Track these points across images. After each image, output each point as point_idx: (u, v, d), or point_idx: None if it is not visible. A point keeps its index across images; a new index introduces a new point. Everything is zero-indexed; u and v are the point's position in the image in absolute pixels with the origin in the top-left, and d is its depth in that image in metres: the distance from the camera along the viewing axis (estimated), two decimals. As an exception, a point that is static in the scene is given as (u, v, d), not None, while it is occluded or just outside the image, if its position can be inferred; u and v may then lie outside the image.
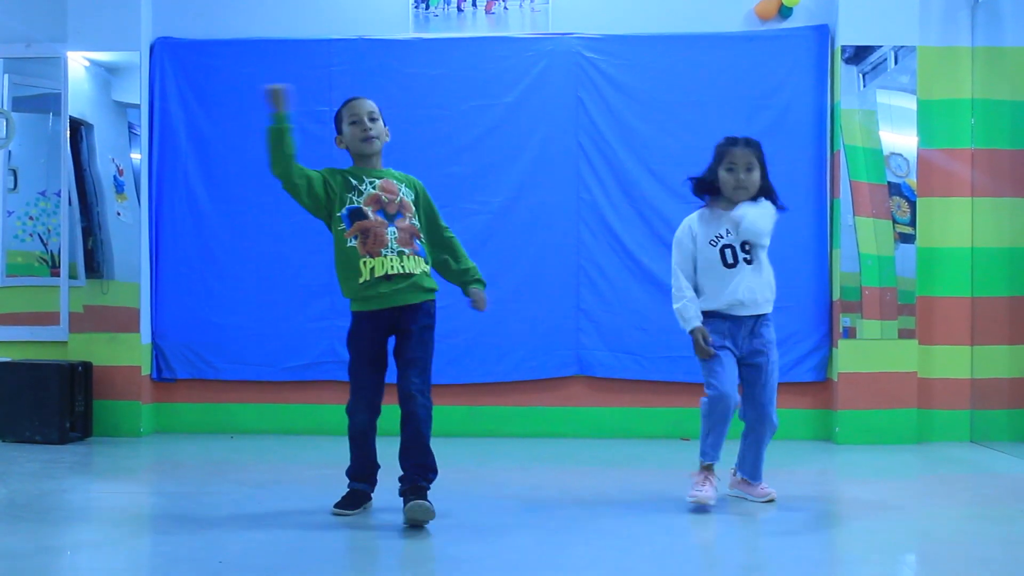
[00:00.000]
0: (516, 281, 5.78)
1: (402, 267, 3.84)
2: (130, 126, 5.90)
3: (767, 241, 4.12)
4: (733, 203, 4.12)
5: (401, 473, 3.84)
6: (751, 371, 4.13)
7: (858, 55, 5.64)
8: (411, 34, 5.92)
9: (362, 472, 3.99)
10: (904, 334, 5.62)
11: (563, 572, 3.30)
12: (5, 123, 6.11)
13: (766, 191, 4.16)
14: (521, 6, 5.93)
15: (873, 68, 5.65)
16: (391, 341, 3.94)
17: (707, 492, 4.08)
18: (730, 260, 4.09)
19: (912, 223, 5.64)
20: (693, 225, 4.17)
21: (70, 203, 5.91)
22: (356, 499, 3.97)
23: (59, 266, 6.07)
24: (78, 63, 5.88)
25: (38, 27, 6.00)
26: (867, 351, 5.60)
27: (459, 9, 5.94)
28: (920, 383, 5.66)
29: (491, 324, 5.75)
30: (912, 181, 5.64)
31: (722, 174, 4.13)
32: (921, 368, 5.66)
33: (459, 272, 4.07)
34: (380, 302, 3.84)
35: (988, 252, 5.71)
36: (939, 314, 5.73)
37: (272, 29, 5.95)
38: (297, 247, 5.80)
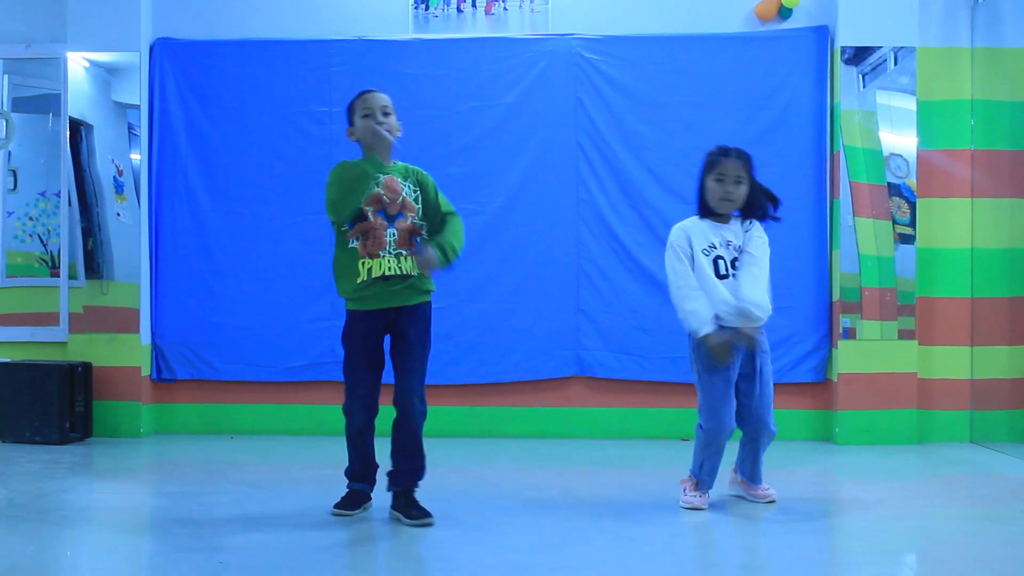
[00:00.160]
0: (516, 281, 5.79)
1: (399, 268, 3.84)
2: (130, 127, 5.90)
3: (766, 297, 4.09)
4: (724, 216, 4.11)
5: (390, 469, 3.87)
6: (745, 382, 4.10)
7: (858, 56, 5.64)
8: (411, 35, 5.92)
9: (361, 472, 3.99)
10: (904, 335, 5.62)
11: (563, 572, 3.30)
12: (5, 124, 6.11)
13: (757, 202, 4.12)
14: (521, 7, 5.94)
15: (873, 69, 5.65)
16: (386, 340, 3.95)
17: (701, 499, 4.09)
18: (722, 271, 4.06)
19: (912, 224, 5.64)
20: (688, 230, 4.12)
21: (70, 204, 5.91)
22: (356, 499, 3.97)
23: (59, 266, 6.07)
24: (78, 64, 5.88)
25: (38, 27, 6.00)
26: (867, 352, 5.60)
27: (459, 10, 5.94)
28: (920, 384, 5.66)
29: (491, 324, 5.77)
30: (912, 182, 5.64)
31: (710, 184, 4.09)
32: (921, 369, 5.66)
33: (435, 237, 3.96)
34: (376, 302, 3.84)
35: (988, 253, 5.71)
36: (939, 315, 5.73)
37: (272, 29, 5.95)
38: (297, 247, 5.80)
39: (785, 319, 5.43)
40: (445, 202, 4.00)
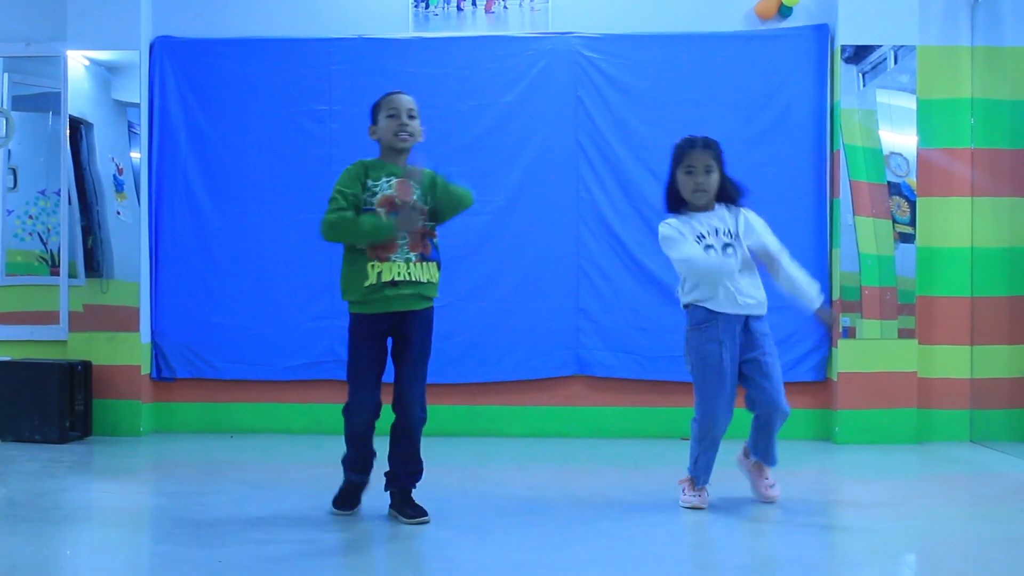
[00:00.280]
0: (516, 281, 5.79)
1: (408, 274, 3.83)
2: (130, 125, 5.90)
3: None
4: (702, 208, 4.09)
5: (388, 470, 3.89)
6: (751, 366, 4.06)
7: (858, 55, 5.64)
8: (411, 33, 5.92)
9: (359, 464, 3.98)
10: (904, 334, 5.62)
11: (563, 572, 3.30)
12: (5, 122, 6.10)
13: (725, 190, 4.11)
14: (521, 5, 5.93)
15: (873, 68, 5.64)
16: (389, 342, 3.94)
17: (700, 499, 4.10)
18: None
19: (912, 223, 5.64)
20: (676, 224, 4.08)
21: (70, 202, 5.91)
22: (353, 493, 3.97)
23: (59, 265, 6.07)
24: (78, 62, 5.87)
25: (38, 26, 6.00)
26: (867, 351, 5.60)
27: (459, 8, 5.94)
28: (920, 383, 5.66)
29: (491, 324, 5.77)
30: (912, 181, 5.64)
31: (680, 176, 4.09)
32: (921, 368, 5.66)
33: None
34: (383, 306, 3.83)
35: (988, 252, 5.71)
36: (939, 314, 5.73)
37: (272, 28, 5.95)
38: (297, 247, 5.80)
39: (785, 318, 5.41)
40: (451, 186, 3.97)
